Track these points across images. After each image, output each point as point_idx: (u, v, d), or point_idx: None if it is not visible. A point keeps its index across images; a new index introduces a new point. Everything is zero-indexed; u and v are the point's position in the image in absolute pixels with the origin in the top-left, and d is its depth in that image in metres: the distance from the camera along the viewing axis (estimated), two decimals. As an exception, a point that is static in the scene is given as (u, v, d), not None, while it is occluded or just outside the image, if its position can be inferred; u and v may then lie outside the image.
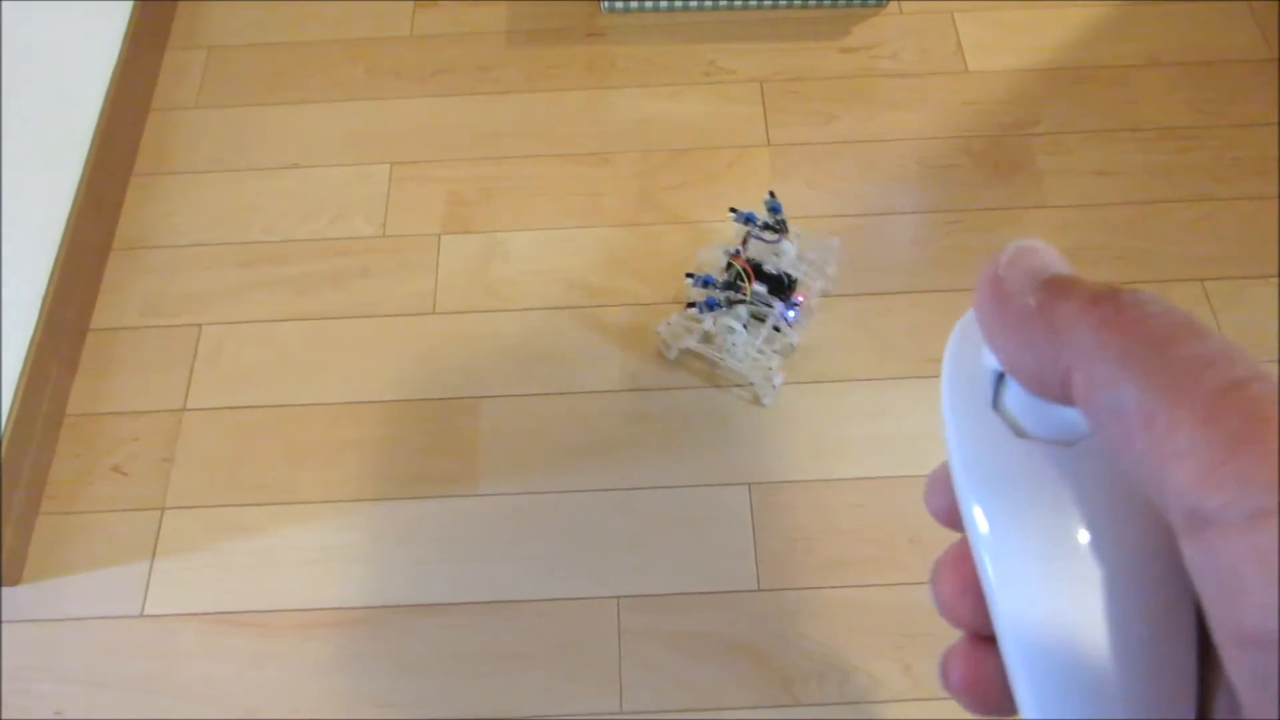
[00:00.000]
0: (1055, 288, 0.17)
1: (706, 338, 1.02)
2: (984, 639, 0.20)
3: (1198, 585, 0.15)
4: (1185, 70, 1.25)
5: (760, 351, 1.00)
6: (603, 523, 0.98)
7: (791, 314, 1.00)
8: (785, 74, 1.26)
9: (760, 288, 0.99)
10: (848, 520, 0.98)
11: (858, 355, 1.07)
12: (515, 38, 1.30)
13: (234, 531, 0.98)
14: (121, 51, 1.21)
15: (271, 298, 1.12)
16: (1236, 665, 0.14)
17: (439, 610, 0.94)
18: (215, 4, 1.34)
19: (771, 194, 1.03)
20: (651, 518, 0.98)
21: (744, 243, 1.02)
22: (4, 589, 0.96)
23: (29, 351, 1.01)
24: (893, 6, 1.31)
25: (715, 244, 1.05)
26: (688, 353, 1.04)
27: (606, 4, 1.30)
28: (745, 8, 1.30)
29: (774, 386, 1.02)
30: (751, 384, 1.03)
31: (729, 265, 1.00)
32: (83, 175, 1.11)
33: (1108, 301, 0.16)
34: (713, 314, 0.98)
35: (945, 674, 0.20)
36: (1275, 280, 1.10)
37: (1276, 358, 1.05)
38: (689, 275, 1.01)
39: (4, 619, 0.95)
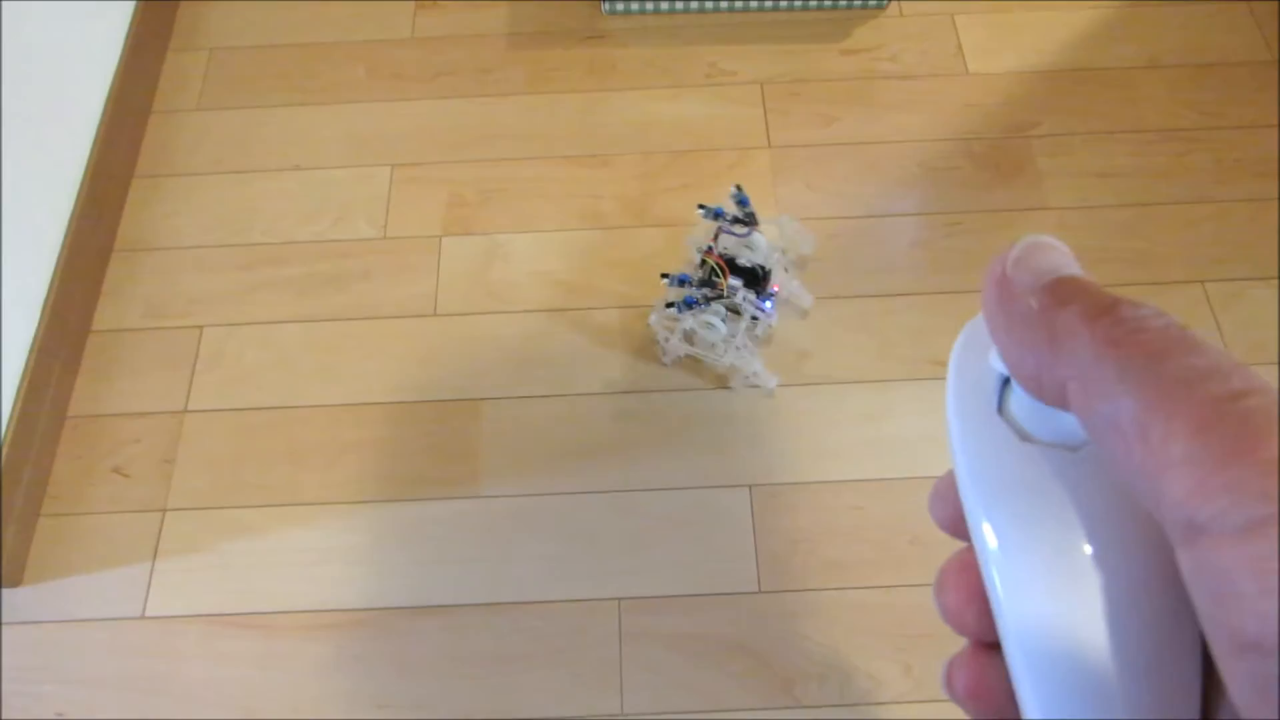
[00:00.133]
0: (1058, 292, 0.17)
1: (687, 336, 1.03)
2: (988, 646, 0.20)
3: (1193, 594, 0.15)
4: (1186, 72, 1.25)
5: (742, 344, 1.01)
6: (604, 524, 0.98)
7: (768, 305, 1.00)
8: (786, 76, 1.26)
9: (736, 281, 0.99)
10: (848, 522, 0.98)
11: (858, 357, 1.07)
12: (516, 40, 1.30)
13: (235, 533, 0.99)
14: (123, 53, 1.21)
15: (273, 299, 1.12)
16: (1233, 673, 0.14)
17: (440, 612, 0.94)
18: (216, 6, 1.34)
19: (738, 187, 1.04)
20: (652, 519, 0.98)
21: (715, 238, 1.02)
22: (5, 590, 0.96)
23: (30, 353, 1.01)
24: (893, 9, 1.32)
25: (688, 240, 1.06)
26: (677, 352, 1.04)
27: (607, 6, 1.30)
28: (746, 10, 1.30)
29: (755, 376, 1.02)
30: (746, 374, 1.03)
31: (703, 262, 1.01)
32: (84, 177, 1.12)
33: (1107, 314, 0.16)
34: (692, 312, 0.99)
35: (950, 681, 0.20)
36: (1275, 282, 1.10)
37: (1277, 359, 1.05)
38: (664, 276, 1.01)
39: (5, 620, 0.95)
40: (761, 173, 1.19)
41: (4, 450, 0.95)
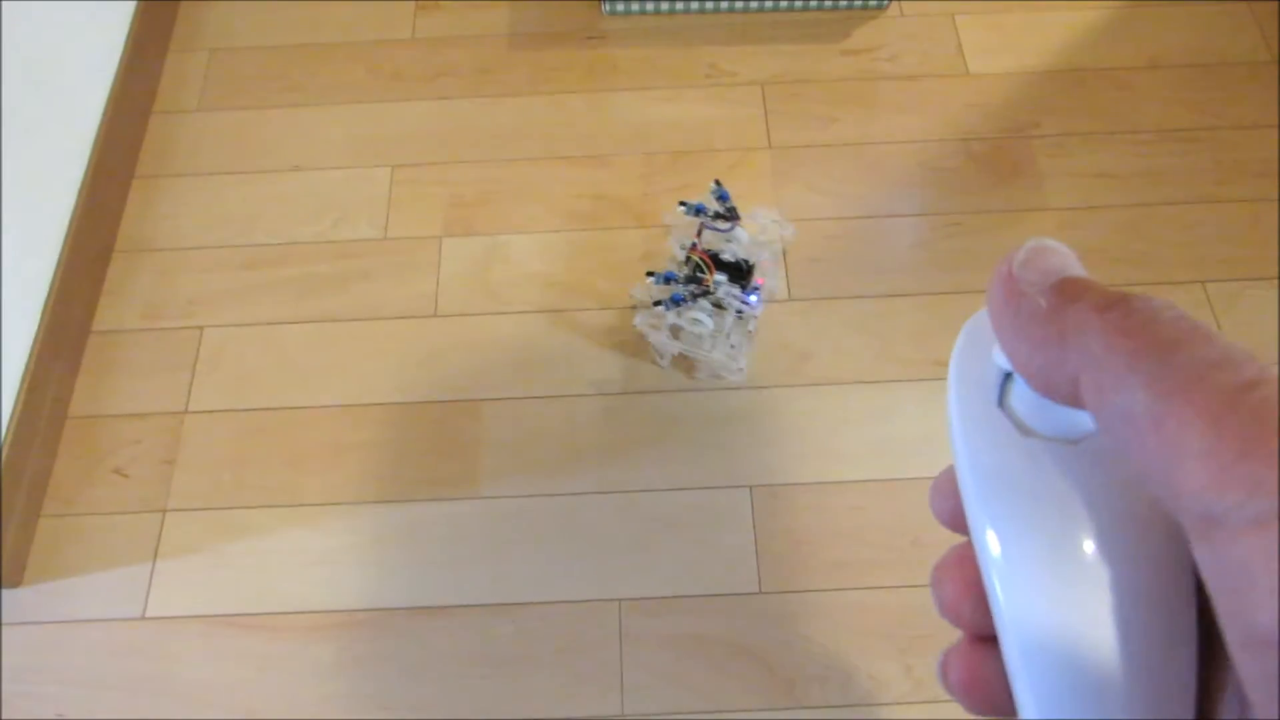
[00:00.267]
0: (1067, 290, 0.17)
1: (674, 332, 1.03)
2: (984, 639, 0.20)
3: (1209, 586, 0.15)
4: (1186, 72, 1.25)
5: (730, 340, 1.01)
6: (604, 525, 0.98)
7: (753, 298, 1.01)
8: (786, 76, 1.26)
9: (721, 277, 0.99)
10: (849, 522, 0.98)
11: (859, 357, 1.07)
12: (517, 40, 1.30)
13: (236, 534, 0.99)
14: (123, 54, 1.21)
15: (273, 300, 1.12)
16: (1247, 666, 0.14)
17: (441, 612, 0.94)
18: (217, 7, 1.34)
19: (717, 182, 1.05)
20: (653, 520, 0.98)
21: (698, 234, 1.03)
22: (5, 591, 0.96)
23: (31, 354, 1.01)
24: (893, 9, 1.32)
25: (672, 238, 1.06)
26: (676, 355, 1.04)
27: (607, 7, 1.30)
28: (746, 10, 1.30)
29: (741, 369, 1.03)
30: (719, 373, 1.04)
31: (687, 259, 1.01)
32: (85, 178, 1.12)
33: (1117, 306, 0.16)
34: (678, 309, 0.99)
35: (945, 673, 0.20)
36: (1276, 282, 1.10)
37: (1278, 360, 1.05)
38: (649, 274, 1.01)
39: (5, 621, 0.95)
40: (762, 173, 1.19)
41: (4, 450, 0.95)
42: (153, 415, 1.05)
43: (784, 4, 1.30)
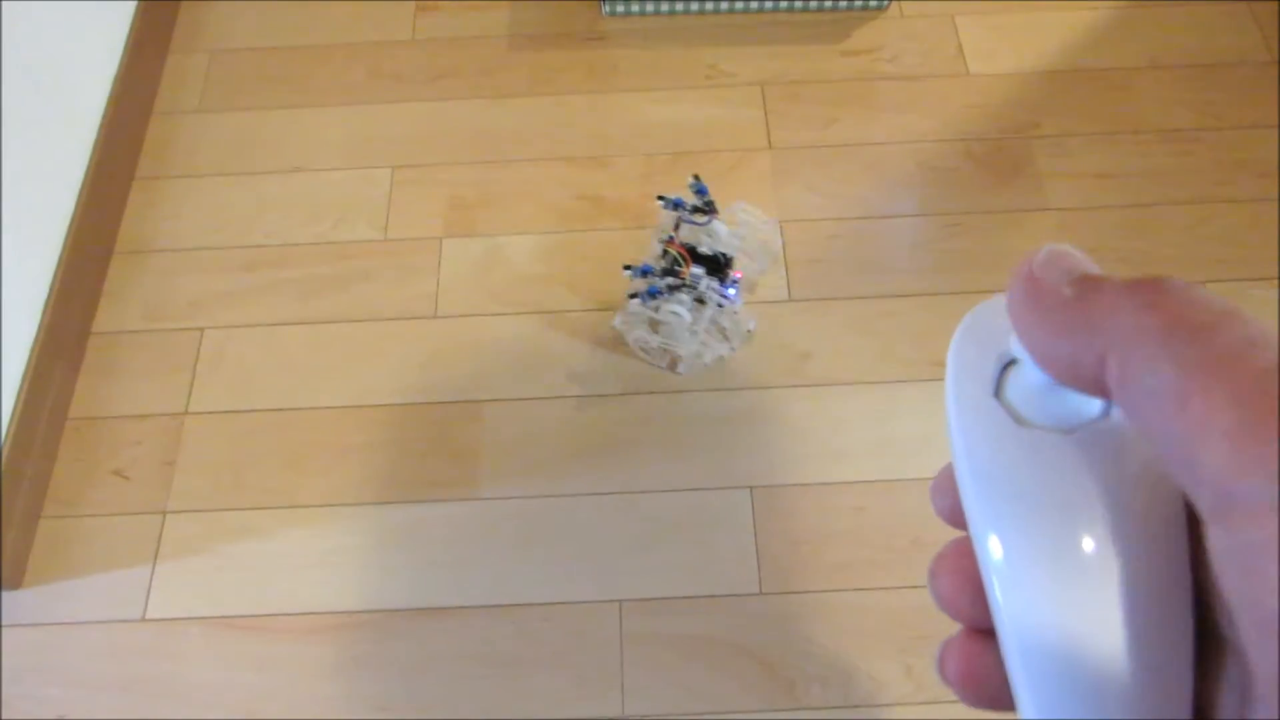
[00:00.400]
0: (1092, 280, 0.17)
1: (652, 325, 1.03)
2: (982, 632, 0.20)
3: (1222, 569, 0.15)
4: (1186, 73, 1.25)
5: (707, 332, 1.01)
6: (605, 526, 0.98)
7: (732, 291, 1.01)
8: (786, 77, 1.26)
9: (698, 270, 1.00)
10: (850, 523, 0.98)
11: (858, 358, 1.07)
12: (516, 41, 1.30)
13: (236, 535, 0.98)
14: (124, 55, 1.21)
15: (274, 301, 1.12)
16: (1260, 651, 0.14)
17: (441, 614, 0.94)
18: (217, 8, 1.34)
19: (696, 177, 1.05)
20: (653, 521, 0.98)
21: (676, 228, 1.03)
22: (6, 592, 0.96)
23: (31, 355, 1.01)
24: (893, 9, 1.32)
25: (636, 228, 1.06)
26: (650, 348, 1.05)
27: (607, 8, 1.30)
28: (746, 11, 1.30)
29: (705, 364, 1.03)
30: (682, 359, 1.04)
31: (665, 252, 1.01)
32: (85, 179, 1.12)
33: (1150, 286, 0.16)
34: (655, 301, 0.99)
35: (942, 665, 0.21)
36: (1276, 283, 1.10)
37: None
38: (627, 267, 1.01)
39: (6, 623, 0.95)
40: (762, 174, 1.19)
41: (5, 452, 0.95)
42: (153, 416, 1.05)
43: (784, 5, 1.30)
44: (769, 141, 1.21)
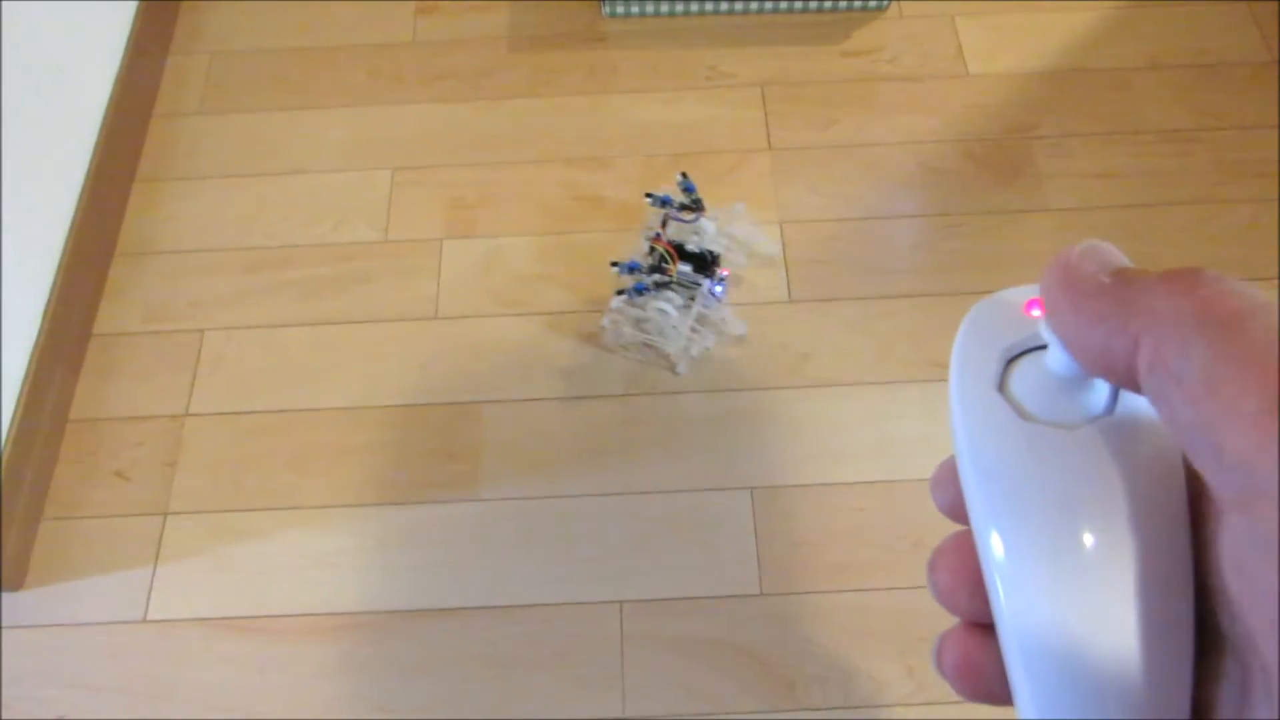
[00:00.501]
0: (1130, 270, 0.17)
1: (640, 323, 1.03)
2: (980, 626, 0.20)
3: (1239, 558, 0.15)
4: (1186, 73, 1.25)
5: (694, 330, 1.02)
6: (605, 527, 0.98)
7: (719, 289, 1.01)
8: (786, 78, 1.27)
9: (685, 267, 1.00)
10: (850, 524, 0.98)
11: (859, 359, 1.07)
12: (516, 43, 1.31)
13: (237, 536, 0.99)
14: (124, 57, 1.21)
15: (274, 303, 1.12)
16: (1276, 645, 0.14)
17: (442, 615, 0.94)
18: (217, 10, 1.34)
19: (683, 175, 1.06)
20: (654, 522, 0.98)
21: (663, 225, 1.03)
22: (6, 594, 0.96)
23: (32, 357, 1.01)
24: (893, 10, 1.32)
25: (637, 229, 1.06)
26: (632, 345, 1.05)
27: (607, 9, 1.30)
28: (746, 12, 1.31)
29: (692, 356, 1.04)
30: (673, 356, 1.05)
31: (651, 249, 1.02)
32: (85, 181, 1.12)
33: (1188, 275, 0.16)
34: (642, 298, 0.99)
35: (939, 657, 0.21)
36: (1276, 282, 1.10)
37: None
38: (614, 264, 1.02)
39: (6, 624, 0.95)
40: (762, 175, 1.19)
41: (6, 454, 0.95)
42: (154, 418, 1.05)
43: (784, 5, 1.30)
44: (769, 142, 1.22)
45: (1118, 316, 0.17)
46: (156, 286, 1.13)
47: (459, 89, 1.27)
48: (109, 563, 0.98)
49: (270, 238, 1.16)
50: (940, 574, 0.21)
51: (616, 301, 1.00)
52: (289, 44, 1.31)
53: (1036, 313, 0.20)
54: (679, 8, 1.30)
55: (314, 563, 0.97)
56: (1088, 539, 0.18)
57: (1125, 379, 0.17)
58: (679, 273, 1.00)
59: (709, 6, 1.30)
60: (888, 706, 0.90)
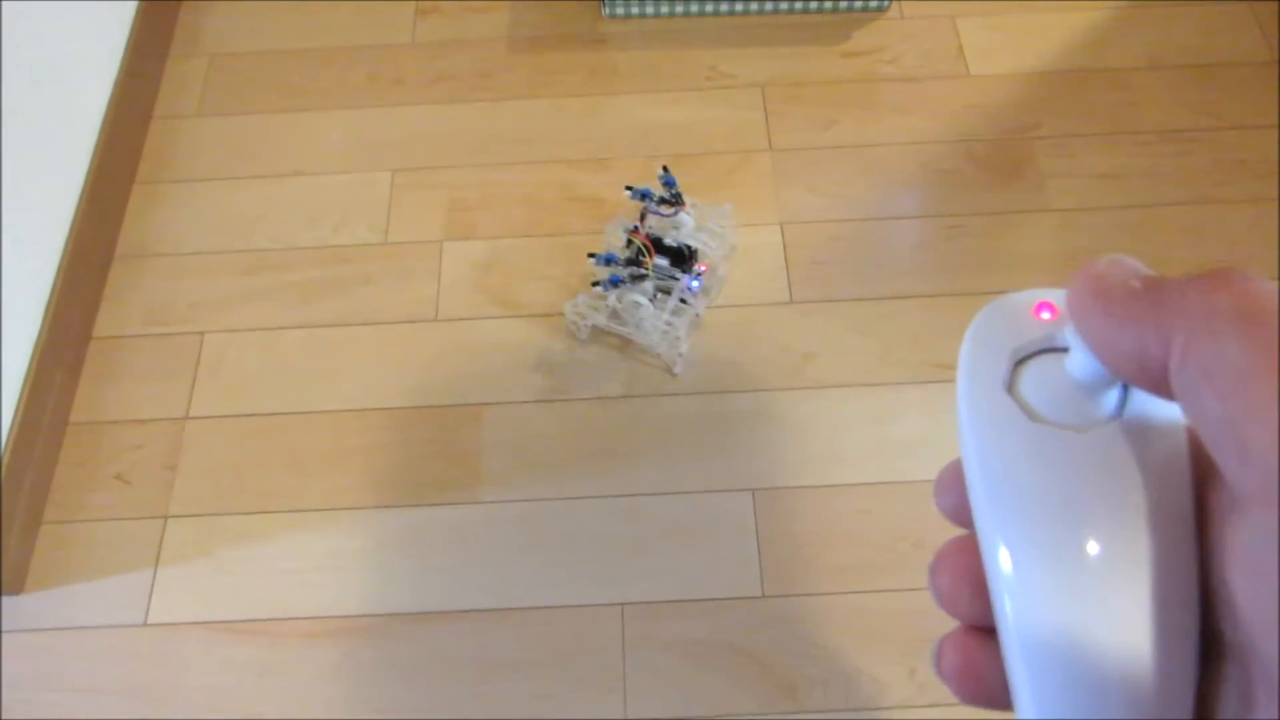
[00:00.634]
0: (1160, 276, 0.17)
1: (615, 315, 1.03)
2: (980, 630, 0.20)
3: (1251, 556, 0.15)
4: (1187, 73, 1.25)
5: (668, 324, 1.01)
6: (606, 529, 0.98)
7: (695, 284, 1.01)
8: (786, 79, 1.26)
9: (662, 261, 1.00)
10: (852, 525, 0.98)
11: (860, 360, 1.07)
12: (516, 44, 1.30)
13: (237, 540, 0.98)
14: (123, 60, 1.21)
15: (274, 305, 1.12)
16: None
17: (442, 618, 0.94)
18: (217, 11, 1.34)
19: (665, 169, 1.06)
20: (655, 524, 0.98)
21: (641, 219, 1.03)
22: (6, 598, 0.96)
23: (32, 359, 1.01)
24: (894, 10, 1.32)
25: (617, 221, 1.06)
26: (613, 336, 1.04)
27: (607, 10, 1.30)
28: (746, 13, 1.30)
29: (680, 355, 1.03)
30: (660, 354, 1.05)
31: (629, 242, 1.02)
32: (85, 183, 1.12)
33: (1220, 274, 0.16)
34: (617, 290, 0.99)
35: (939, 659, 0.21)
36: (1276, 283, 1.09)
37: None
38: (591, 255, 1.02)
39: (6, 628, 0.95)
40: (763, 176, 1.19)
41: (6, 457, 0.95)
42: (154, 421, 1.05)
43: (784, 6, 1.30)
44: (769, 143, 1.21)
45: (1152, 317, 0.17)
46: (156, 289, 1.13)
47: (459, 90, 1.27)
48: (109, 566, 0.97)
49: (270, 240, 1.16)
50: (942, 578, 0.21)
51: (581, 297, 1.01)
52: (289, 46, 1.31)
53: (1046, 315, 0.20)
54: (679, 9, 1.30)
55: (314, 565, 0.97)
56: (1094, 541, 0.18)
57: (1157, 380, 0.17)
58: (655, 266, 1.00)
59: (709, 7, 1.30)
60: (890, 709, 0.89)
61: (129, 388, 1.07)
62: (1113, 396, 0.19)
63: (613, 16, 1.31)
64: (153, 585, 0.96)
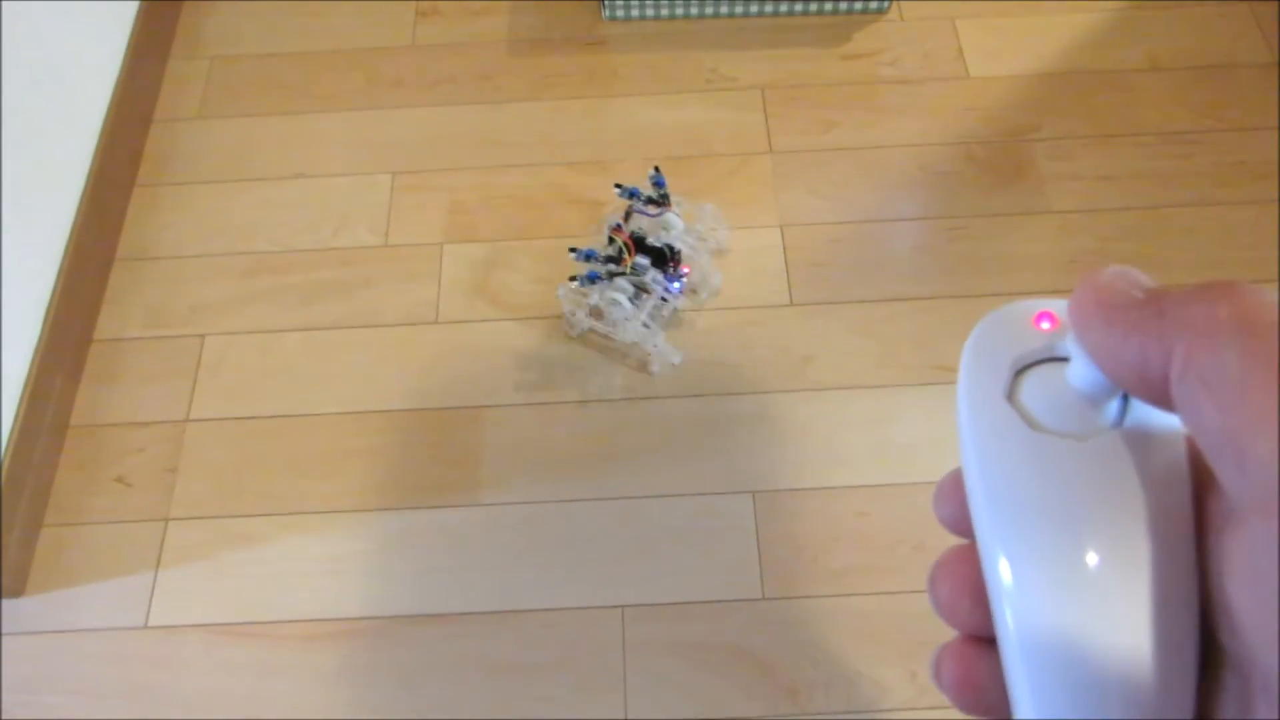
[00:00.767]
0: (1162, 287, 0.17)
1: (595, 312, 1.03)
2: (979, 640, 0.20)
3: (1249, 566, 0.15)
4: (1187, 75, 1.25)
5: (646, 324, 1.02)
6: (606, 532, 0.98)
7: (676, 286, 1.01)
8: (786, 81, 1.26)
9: (643, 260, 1.00)
10: (852, 528, 0.98)
11: (860, 362, 1.07)
12: (516, 46, 1.31)
13: (238, 542, 0.98)
14: (124, 62, 1.21)
15: (275, 308, 1.12)
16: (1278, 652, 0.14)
17: (443, 620, 0.94)
18: (218, 14, 1.35)
19: (656, 169, 1.06)
20: (655, 527, 0.98)
21: (626, 217, 1.04)
22: (7, 600, 0.96)
23: (33, 362, 1.01)
24: (894, 12, 1.32)
25: (605, 217, 1.06)
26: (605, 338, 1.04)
27: (607, 12, 1.30)
28: (746, 15, 1.31)
29: (656, 351, 1.03)
30: (647, 351, 1.05)
31: (611, 239, 1.02)
32: (86, 186, 1.12)
33: (1225, 285, 0.16)
34: (597, 287, 0.99)
35: (938, 670, 0.21)
36: (1276, 284, 1.10)
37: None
38: (572, 250, 1.02)
39: (7, 630, 0.95)
40: (763, 178, 1.19)
41: (6, 460, 0.95)
42: (154, 424, 1.05)
43: (784, 8, 1.30)
44: (770, 145, 1.21)
45: (1154, 327, 0.17)
46: (157, 291, 1.13)
47: (459, 93, 1.27)
48: (110, 569, 0.97)
49: (271, 242, 1.16)
50: (941, 587, 0.21)
51: (563, 289, 1.01)
52: (289, 48, 1.31)
53: (1046, 325, 0.20)
54: (679, 11, 1.30)
55: (315, 568, 0.97)
56: (1094, 548, 0.18)
57: (1158, 390, 0.17)
58: (635, 265, 1.00)
59: (709, 9, 1.30)
60: (890, 711, 0.89)
61: (130, 390, 1.07)
62: (1113, 406, 0.19)
63: (612, 19, 1.31)
64: (153, 588, 0.96)
